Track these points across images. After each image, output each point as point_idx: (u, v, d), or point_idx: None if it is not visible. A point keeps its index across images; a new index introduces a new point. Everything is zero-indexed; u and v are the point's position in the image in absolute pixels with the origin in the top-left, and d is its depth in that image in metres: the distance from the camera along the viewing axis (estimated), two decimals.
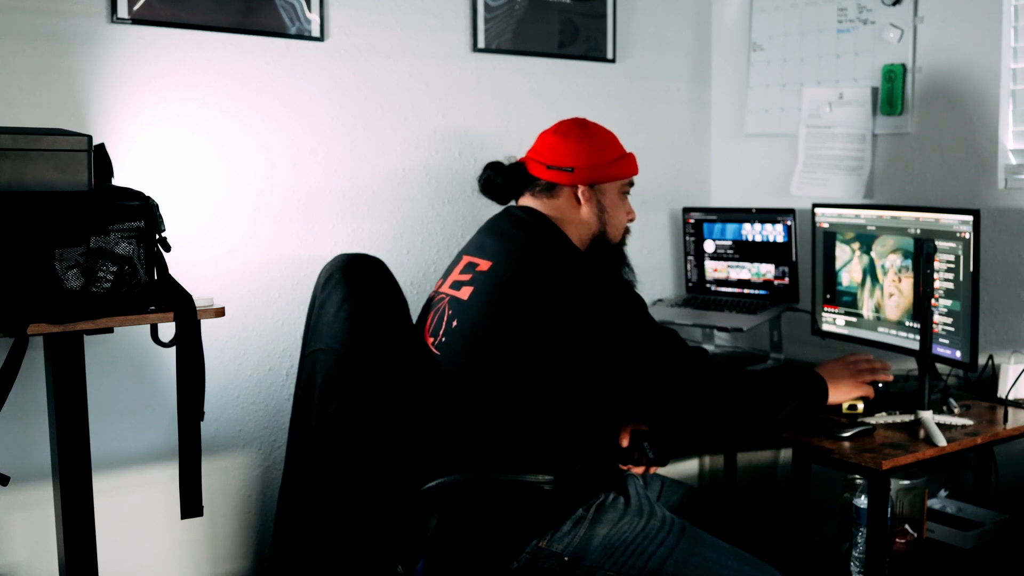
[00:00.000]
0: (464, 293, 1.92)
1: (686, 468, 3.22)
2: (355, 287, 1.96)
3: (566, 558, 1.80)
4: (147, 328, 1.98)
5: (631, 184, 2.13)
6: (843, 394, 2.08)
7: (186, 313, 1.78)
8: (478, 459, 1.84)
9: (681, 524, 1.86)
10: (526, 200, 2.06)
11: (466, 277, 1.94)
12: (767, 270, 2.93)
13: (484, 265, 1.93)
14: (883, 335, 2.49)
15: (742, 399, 1.89)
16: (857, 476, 2.23)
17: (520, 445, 1.82)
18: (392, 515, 1.92)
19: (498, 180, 2.06)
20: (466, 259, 2.00)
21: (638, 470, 2.10)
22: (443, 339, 1.92)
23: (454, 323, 1.91)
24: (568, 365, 1.81)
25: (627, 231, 2.13)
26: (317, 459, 1.94)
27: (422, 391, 1.92)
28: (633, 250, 3.08)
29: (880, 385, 2.41)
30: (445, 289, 1.99)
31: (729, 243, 3.02)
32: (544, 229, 1.97)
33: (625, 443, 2.11)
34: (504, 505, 1.82)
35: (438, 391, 1.90)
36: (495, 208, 2.13)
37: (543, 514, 1.81)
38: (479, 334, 1.86)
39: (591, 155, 2.03)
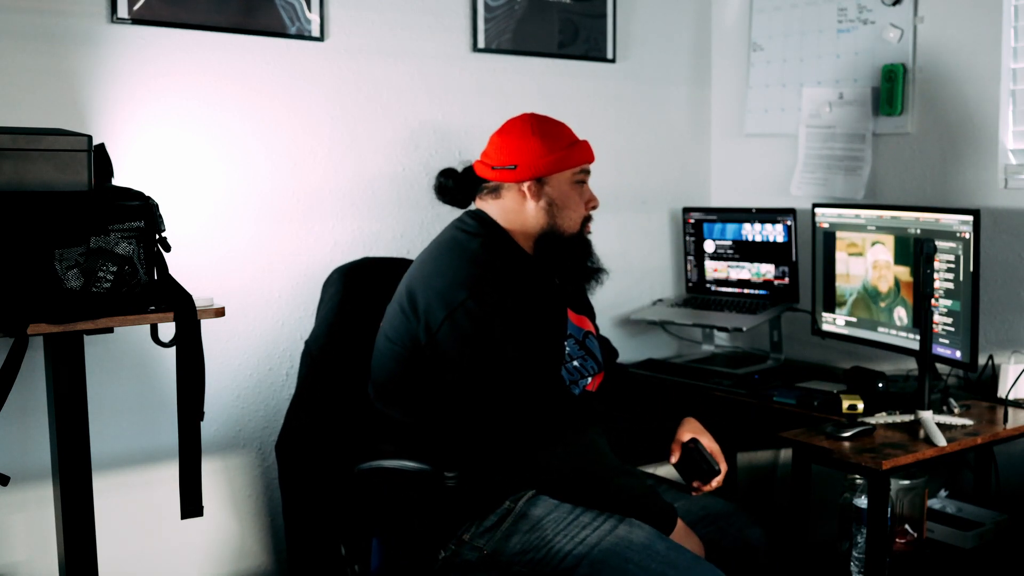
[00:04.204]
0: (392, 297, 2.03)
1: None
2: (348, 289, 2.15)
3: (485, 552, 1.83)
4: (147, 328, 1.97)
5: (586, 172, 2.05)
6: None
7: (186, 313, 1.78)
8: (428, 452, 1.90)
9: (616, 522, 1.79)
10: (477, 203, 2.07)
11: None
12: (767, 270, 2.93)
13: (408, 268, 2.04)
14: (883, 335, 2.49)
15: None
16: (857, 476, 2.23)
17: (432, 440, 1.89)
18: (326, 500, 2.04)
19: (449, 184, 2.09)
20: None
21: (708, 488, 2.04)
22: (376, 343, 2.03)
23: (381, 324, 2.02)
24: (450, 367, 1.84)
25: (588, 218, 2.06)
26: (291, 448, 2.11)
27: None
28: (633, 250, 3.12)
29: (880, 384, 2.41)
30: None
31: (729, 243, 3.02)
32: (483, 231, 1.98)
33: (675, 459, 2.04)
34: (432, 495, 1.85)
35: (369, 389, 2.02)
36: None
37: (468, 506, 1.85)
38: (385, 335, 1.96)
39: (533, 150, 1.99)
